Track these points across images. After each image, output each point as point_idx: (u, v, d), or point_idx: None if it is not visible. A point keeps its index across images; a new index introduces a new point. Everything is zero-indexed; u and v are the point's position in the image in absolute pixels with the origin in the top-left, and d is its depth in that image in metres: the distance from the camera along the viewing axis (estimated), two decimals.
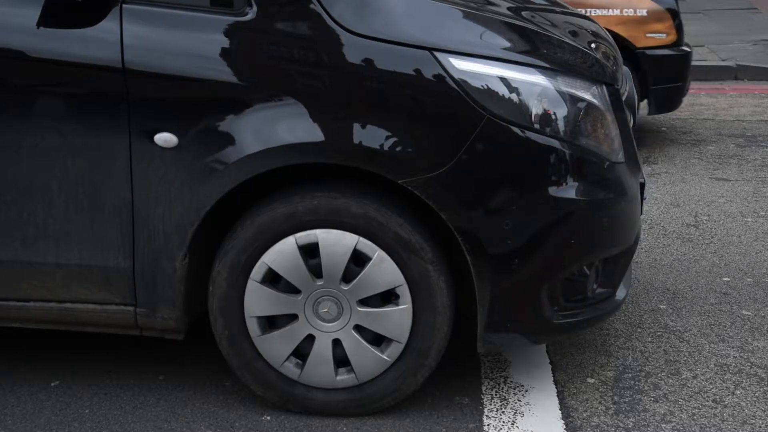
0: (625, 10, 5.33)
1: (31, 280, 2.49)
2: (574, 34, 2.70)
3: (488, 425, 2.50)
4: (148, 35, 2.31)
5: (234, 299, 2.43)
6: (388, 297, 2.43)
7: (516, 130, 2.30)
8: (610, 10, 5.33)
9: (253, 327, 2.45)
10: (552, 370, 2.81)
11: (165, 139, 2.30)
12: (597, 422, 2.52)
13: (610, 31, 5.24)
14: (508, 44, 2.40)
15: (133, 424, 2.53)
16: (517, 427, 2.49)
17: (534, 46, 2.43)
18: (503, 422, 2.51)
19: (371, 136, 2.28)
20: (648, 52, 5.38)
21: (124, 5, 2.31)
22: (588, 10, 5.25)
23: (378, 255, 2.36)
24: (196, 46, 2.30)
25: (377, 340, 2.47)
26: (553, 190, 2.33)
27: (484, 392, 2.68)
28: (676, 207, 4.45)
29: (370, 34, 2.28)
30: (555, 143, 2.33)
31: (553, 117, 2.33)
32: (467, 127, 2.28)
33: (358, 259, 2.39)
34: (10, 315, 2.56)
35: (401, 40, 2.28)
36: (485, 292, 2.37)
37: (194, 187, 2.33)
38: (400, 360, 2.47)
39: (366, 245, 2.36)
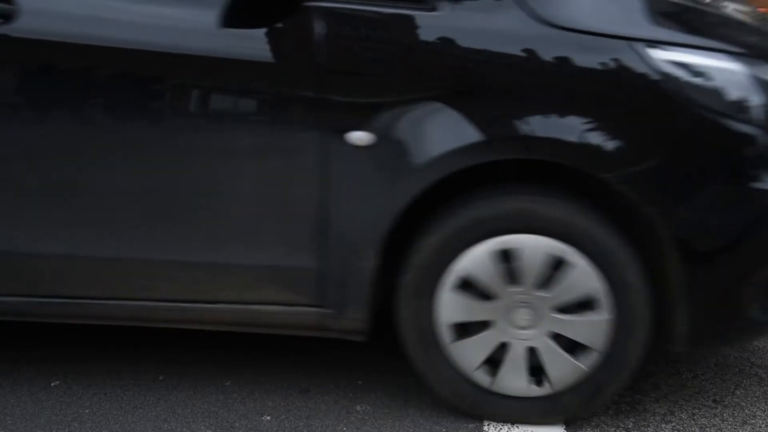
0: None
1: (219, 282, 2.45)
2: (753, 17, 2.63)
3: (488, 425, 2.50)
4: (337, 33, 2.26)
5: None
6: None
7: (719, 120, 2.23)
8: None
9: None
10: None
11: (359, 137, 2.25)
12: (597, 422, 2.52)
13: None
14: (701, 32, 2.32)
15: (133, 424, 2.53)
16: (517, 427, 2.49)
17: (726, 33, 2.36)
18: (503, 422, 2.51)
19: (571, 130, 2.22)
20: None
21: (311, 3, 2.26)
22: None
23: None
24: (385, 44, 2.25)
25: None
26: (758, 183, 2.26)
27: None
28: None
29: (567, 26, 2.22)
30: (758, 133, 2.25)
31: (755, 106, 2.26)
32: (669, 119, 2.21)
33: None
34: (195, 317, 2.52)
35: (599, 31, 2.22)
36: (689, 291, 2.31)
37: (388, 187, 2.29)
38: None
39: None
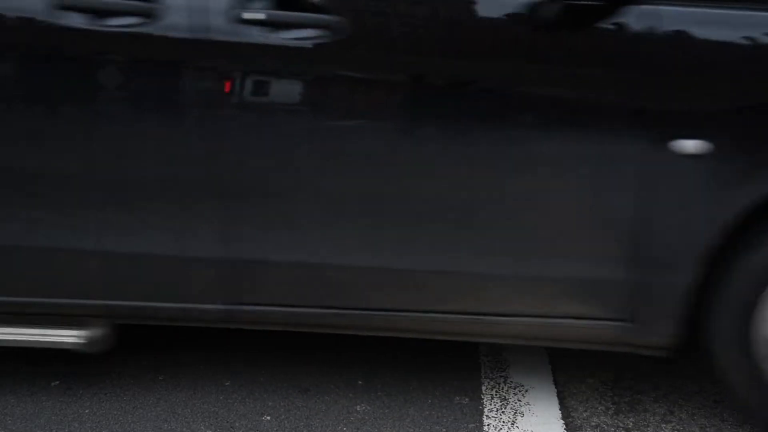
0: None
1: (521, 294, 2.36)
2: None
3: (488, 425, 2.50)
4: (664, 36, 2.12)
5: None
6: None
7: None
8: None
9: None
10: (552, 370, 2.81)
11: (689, 146, 2.12)
12: (597, 422, 2.52)
13: None
14: None
15: (133, 424, 2.53)
16: (517, 427, 2.49)
17: None
18: (503, 422, 2.51)
19: None
20: None
21: (635, 6, 2.13)
22: None
23: None
24: (719, 48, 2.12)
25: None
26: None
27: (484, 392, 2.68)
28: None
29: None
30: None
31: None
32: None
33: None
34: (491, 330, 2.44)
35: None
36: None
37: (717, 198, 2.15)
38: None
39: None
